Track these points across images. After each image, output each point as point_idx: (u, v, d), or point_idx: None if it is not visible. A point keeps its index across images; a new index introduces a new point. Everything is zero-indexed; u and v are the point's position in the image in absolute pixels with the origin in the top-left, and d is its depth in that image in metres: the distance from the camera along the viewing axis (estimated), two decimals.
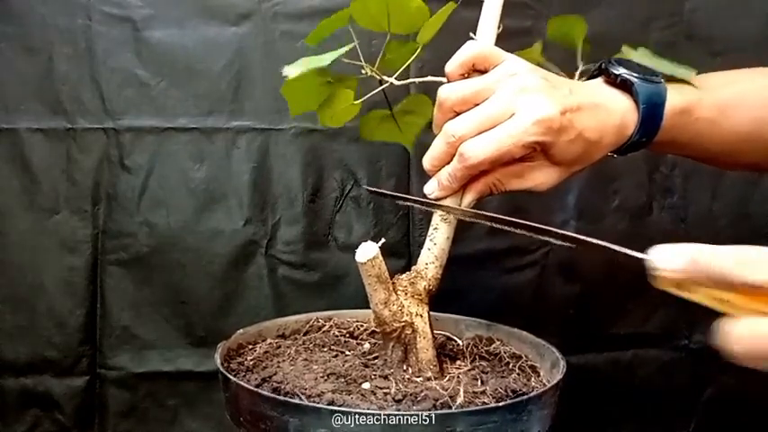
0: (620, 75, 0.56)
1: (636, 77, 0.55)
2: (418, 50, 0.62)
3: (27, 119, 0.83)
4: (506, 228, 0.50)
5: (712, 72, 0.61)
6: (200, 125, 0.84)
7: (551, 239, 0.47)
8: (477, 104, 0.52)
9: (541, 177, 0.55)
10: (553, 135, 0.51)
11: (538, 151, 0.53)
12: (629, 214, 0.90)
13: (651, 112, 0.55)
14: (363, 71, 0.61)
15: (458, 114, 0.53)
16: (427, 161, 0.55)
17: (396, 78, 0.61)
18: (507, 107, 0.51)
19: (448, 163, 0.54)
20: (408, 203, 0.58)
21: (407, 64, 0.62)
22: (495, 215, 0.52)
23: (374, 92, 0.62)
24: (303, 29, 0.84)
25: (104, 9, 0.83)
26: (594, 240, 0.44)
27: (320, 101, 0.64)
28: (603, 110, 0.55)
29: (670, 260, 0.37)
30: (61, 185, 0.83)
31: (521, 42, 0.64)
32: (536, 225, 0.48)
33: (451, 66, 0.54)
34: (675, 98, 0.56)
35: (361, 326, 0.65)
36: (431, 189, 0.55)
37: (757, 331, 0.34)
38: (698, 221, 0.90)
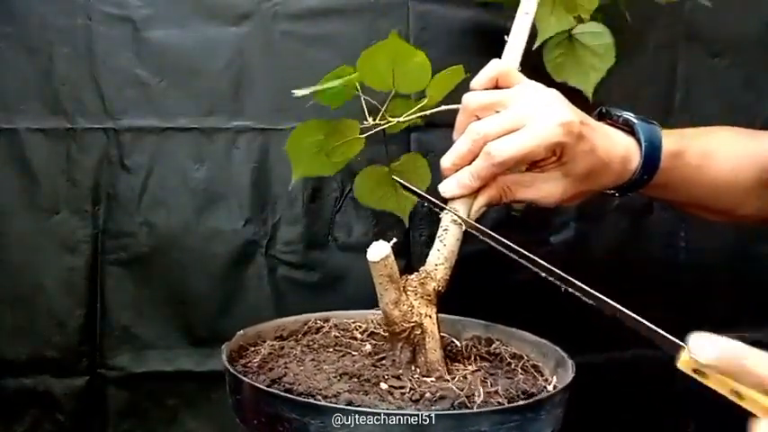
0: (621, 116, 0.61)
1: (635, 118, 0.60)
2: (424, 103, 0.65)
3: (27, 119, 0.82)
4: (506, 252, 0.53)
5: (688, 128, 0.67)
6: (200, 125, 0.84)
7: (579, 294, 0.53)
8: (498, 112, 0.55)
9: (549, 189, 0.57)
10: (574, 139, 0.54)
11: (556, 157, 0.56)
12: (629, 214, 0.90)
13: (652, 150, 0.60)
14: (366, 122, 0.64)
15: (479, 119, 0.55)
16: (448, 160, 0.56)
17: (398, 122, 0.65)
18: (531, 112, 0.54)
19: (469, 163, 0.55)
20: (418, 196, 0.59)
21: (411, 113, 0.65)
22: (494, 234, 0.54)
23: (376, 128, 0.65)
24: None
25: (104, 9, 0.82)
26: (631, 313, 0.50)
27: (323, 159, 0.69)
28: (611, 139, 0.59)
29: (704, 349, 0.43)
30: (61, 185, 0.83)
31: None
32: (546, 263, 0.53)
33: (477, 81, 0.58)
34: (668, 142, 0.61)
35: (360, 327, 0.65)
36: (447, 188, 0.56)
37: None
38: (698, 221, 0.89)
